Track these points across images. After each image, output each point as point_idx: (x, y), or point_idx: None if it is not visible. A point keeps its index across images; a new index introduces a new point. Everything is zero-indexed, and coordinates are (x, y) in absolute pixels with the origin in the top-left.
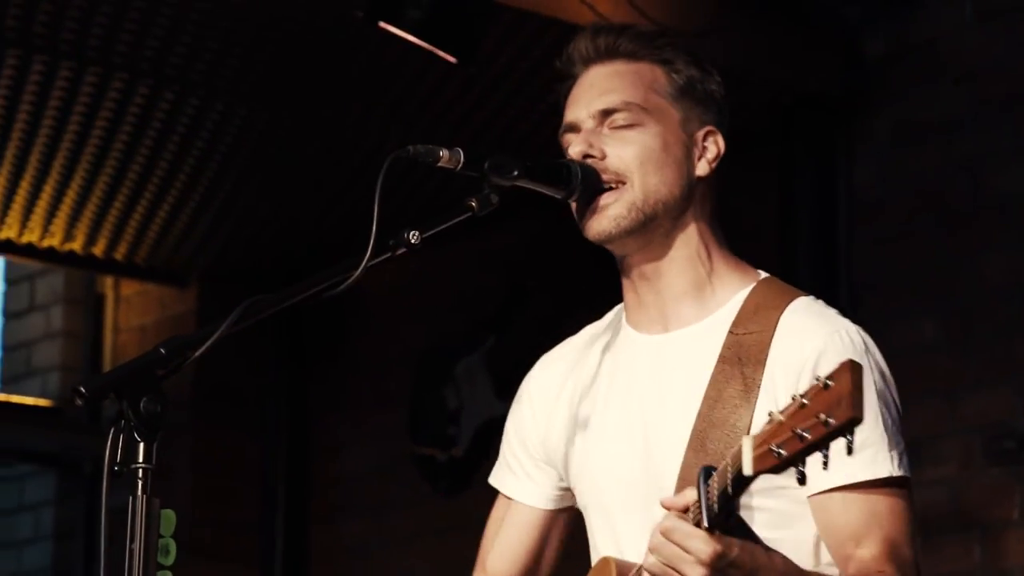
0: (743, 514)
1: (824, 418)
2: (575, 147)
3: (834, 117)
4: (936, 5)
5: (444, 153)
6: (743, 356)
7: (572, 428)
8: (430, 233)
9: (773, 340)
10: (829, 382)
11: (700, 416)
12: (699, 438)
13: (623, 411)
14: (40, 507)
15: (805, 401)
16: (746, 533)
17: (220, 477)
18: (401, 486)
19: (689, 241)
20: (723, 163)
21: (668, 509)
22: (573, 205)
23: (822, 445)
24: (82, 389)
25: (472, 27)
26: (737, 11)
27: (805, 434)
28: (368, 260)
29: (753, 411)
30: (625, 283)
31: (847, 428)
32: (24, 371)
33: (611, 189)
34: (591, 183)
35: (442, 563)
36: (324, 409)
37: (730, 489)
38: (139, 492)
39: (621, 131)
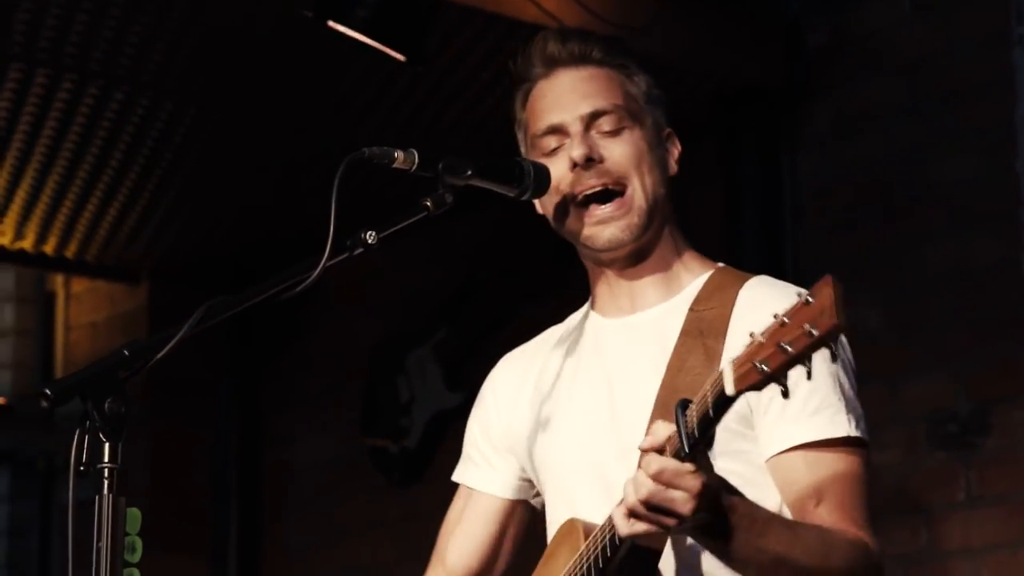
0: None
1: (808, 329)
2: (576, 150)
3: (777, 108)
4: None
5: (399, 154)
6: (704, 329)
7: (537, 414)
8: (387, 233)
9: (733, 312)
10: (810, 299)
11: (664, 384)
12: (663, 404)
13: (591, 389)
14: None
15: (786, 320)
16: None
17: (174, 470)
18: (354, 478)
19: (666, 237)
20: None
21: (646, 450)
22: (537, 204)
23: (805, 356)
24: (47, 391)
25: (418, 25)
26: (679, 4)
27: (788, 347)
28: (326, 261)
29: None
30: (599, 275)
31: (831, 337)
32: None
33: (613, 197)
34: (542, 181)
35: (395, 554)
36: (277, 402)
37: (711, 412)
38: (105, 491)
39: (611, 135)
